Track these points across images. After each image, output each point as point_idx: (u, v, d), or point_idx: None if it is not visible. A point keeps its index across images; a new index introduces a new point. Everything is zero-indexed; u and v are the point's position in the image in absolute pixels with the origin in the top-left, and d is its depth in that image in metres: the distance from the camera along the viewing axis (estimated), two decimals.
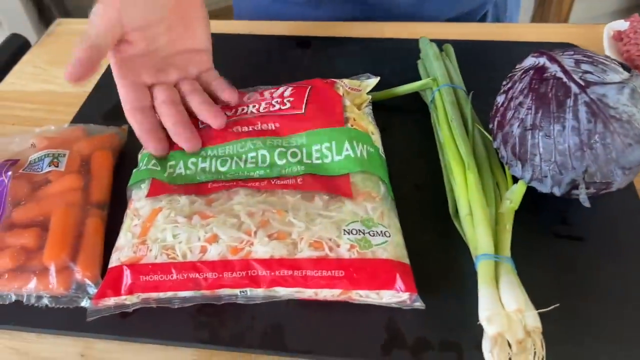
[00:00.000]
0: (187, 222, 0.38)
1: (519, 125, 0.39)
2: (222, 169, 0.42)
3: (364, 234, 0.37)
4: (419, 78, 0.54)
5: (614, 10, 1.86)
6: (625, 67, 0.38)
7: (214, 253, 0.36)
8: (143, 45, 0.45)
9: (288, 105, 0.46)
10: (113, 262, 0.37)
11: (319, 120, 0.44)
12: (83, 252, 0.39)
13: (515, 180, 0.41)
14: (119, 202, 0.43)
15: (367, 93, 0.49)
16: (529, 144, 0.38)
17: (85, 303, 0.38)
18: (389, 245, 0.36)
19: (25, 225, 0.40)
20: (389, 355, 0.35)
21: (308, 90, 0.47)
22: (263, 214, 0.38)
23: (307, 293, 0.36)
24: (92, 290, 0.38)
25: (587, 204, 0.38)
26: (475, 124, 0.46)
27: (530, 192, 0.40)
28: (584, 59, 0.38)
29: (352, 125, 0.44)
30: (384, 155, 0.44)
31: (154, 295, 0.36)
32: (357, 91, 0.49)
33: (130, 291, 0.35)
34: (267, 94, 0.48)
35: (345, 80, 0.50)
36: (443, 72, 0.51)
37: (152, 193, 0.41)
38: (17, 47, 0.67)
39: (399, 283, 0.34)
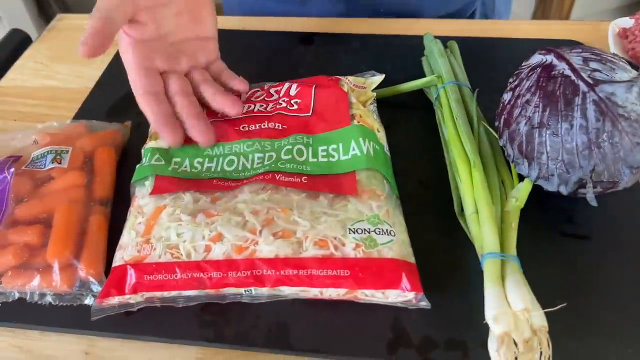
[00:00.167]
0: (192, 221, 0.37)
1: (526, 123, 0.38)
2: (229, 169, 0.42)
3: (369, 232, 0.36)
4: (422, 75, 0.54)
5: (615, 7, 1.85)
6: (633, 66, 0.38)
7: (218, 252, 0.36)
8: (153, 28, 0.44)
9: (295, 107, 0.46)
10: (117, 260, 0.37)
11: (326, 123, 0.44)
12: (86, 249, 0.39)
13: (521, 178, 0.41)
14: (122, 198, 0.43)
15: (372, 90, 0.49)
16: (536, 142, 0.38)
17: (88, 300, 0.38)
18: (395, 244, 0.36)
19: (28, 222, 0.40)
20: (395, 354, 0.35)
21: (313, 89, 0.47)
22: (267, 212, 0.38)
23: (312, 292, 0.35)
24: (96, 287, 0.38)
25: (594, 203, 0.38)
26: (480, 121, 0.46)
27: (536, 190, 0.40)
28: (592, 56, 0.38)
29: (358, 122, 0.44)
30: (389, 153, 0.44)
31: (158, 294, 0.36)
32: (362, 88, 0.48)
33: (135, 290, 0.35)
34: (272, 91, 0.48)
35: (350, 78, 0.49)
36: (448, 69, 0.51)
37: (156, 190, 0.40)
38: (18, 42, 0.67)
39: (405, 282, 0.34)
